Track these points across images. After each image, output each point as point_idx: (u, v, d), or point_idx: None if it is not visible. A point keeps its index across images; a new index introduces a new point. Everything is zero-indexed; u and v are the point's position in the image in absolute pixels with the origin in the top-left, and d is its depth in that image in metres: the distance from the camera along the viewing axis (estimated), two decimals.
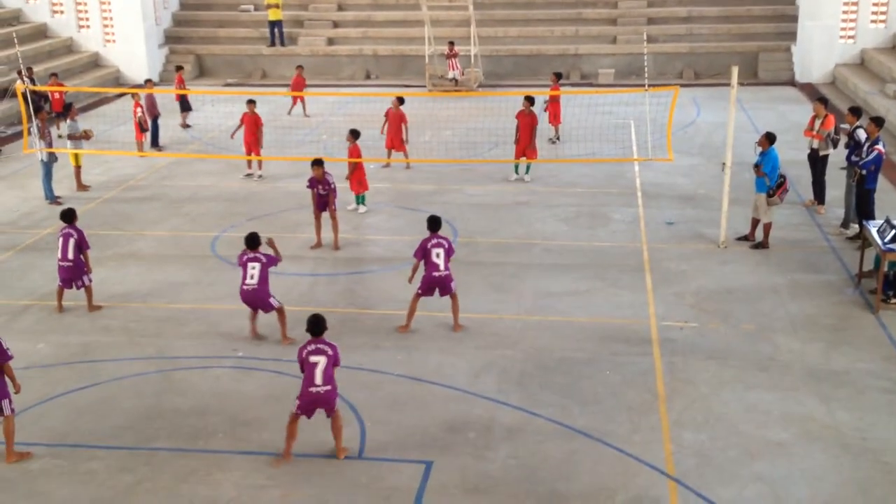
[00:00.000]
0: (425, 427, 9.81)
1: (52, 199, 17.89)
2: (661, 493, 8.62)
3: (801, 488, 8.66)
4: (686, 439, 9.48)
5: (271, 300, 11.70)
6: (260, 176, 19.33)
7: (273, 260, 11.76)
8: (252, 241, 11.76)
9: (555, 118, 21.35)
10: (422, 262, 11.88)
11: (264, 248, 11.82)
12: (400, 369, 11.07)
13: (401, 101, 19.29)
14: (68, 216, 12.96)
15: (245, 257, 11.71)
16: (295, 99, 24.70)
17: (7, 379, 9.30)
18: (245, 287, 11.62)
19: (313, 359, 9.04)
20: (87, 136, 18.85)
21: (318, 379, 9.03)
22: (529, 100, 18.45)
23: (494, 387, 10.61)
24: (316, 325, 9.23)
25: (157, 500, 8.70)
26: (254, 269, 11.56)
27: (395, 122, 19.25)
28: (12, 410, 9.36)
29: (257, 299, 11.65)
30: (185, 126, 24.32)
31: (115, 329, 12.39)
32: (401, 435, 9.68)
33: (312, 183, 15.01)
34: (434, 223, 12.01)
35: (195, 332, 12.23)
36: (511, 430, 9.71)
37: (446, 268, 11.83)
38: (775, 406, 10.08)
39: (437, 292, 11.96)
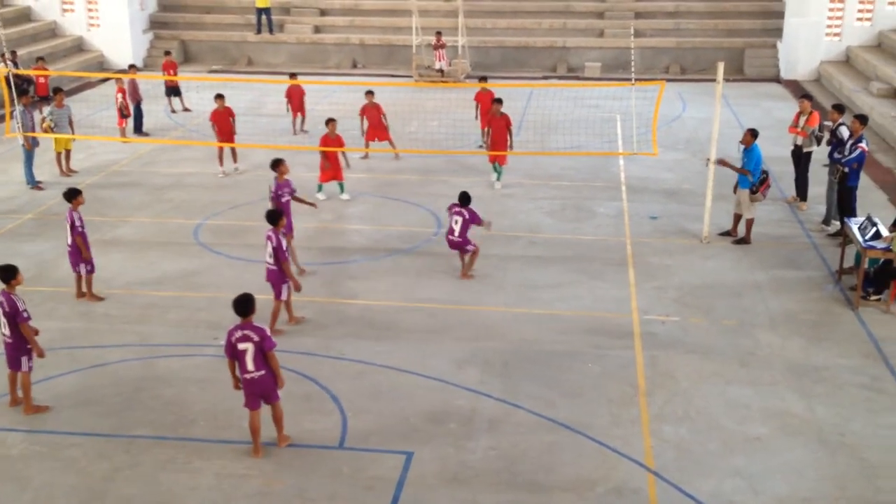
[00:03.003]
0: (407, 417, 9.83)
1: (34, 184, 17.76)
2: (641, 486, 8.67)
3: (779, 483, 8.73)
4: (666, 433, 9.53)
5: (284, 286, 11.66)
6: (236, 169, 18.81)
7: (281, 248, 11.57)
8: (272, 217, 11.72)
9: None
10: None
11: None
12: (382, 359, 11.07)
13: (370, 92, 19.12)
14: (65, 197, 12.62)
15: (267, 234, 11.63)
16: (295, 113, 22.22)
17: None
18: (267, 265, 11.65)
19: (241, 346, 8.89)
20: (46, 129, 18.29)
21: (250, 365, 8.90)
22: (499, 101, 17.74)
23: (477, 378, 10.63)
24: (241, 306, 8.97)
25: (137, 487, 8.68)
26: (269, 249, 11.55)
27: (374, 115, 19.14)
28: (30, 368, 9.81)
29: (274, 277, 11.59)
30: (186, 109, 24.29)
31: (97, 315, 12.33)
32: (382, 425, 9.69)
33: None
34: (464, 198, 13.54)
35: (176, 320, 12.19)
36: (492, 422, 9.74)
37: (461, 235, 13.28)
38: (755, 401, 10.15)
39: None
